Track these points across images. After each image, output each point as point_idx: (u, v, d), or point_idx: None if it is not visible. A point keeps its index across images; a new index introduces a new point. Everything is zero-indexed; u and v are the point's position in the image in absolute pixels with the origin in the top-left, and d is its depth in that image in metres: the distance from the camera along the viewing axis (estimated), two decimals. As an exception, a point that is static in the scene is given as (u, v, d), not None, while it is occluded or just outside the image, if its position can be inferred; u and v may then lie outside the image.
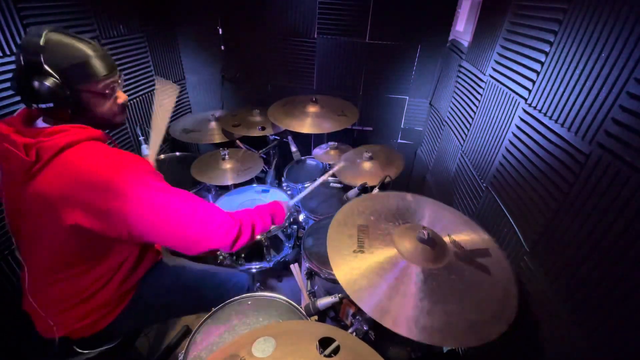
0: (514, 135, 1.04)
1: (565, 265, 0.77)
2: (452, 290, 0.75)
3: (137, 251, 1.02)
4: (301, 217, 1.63)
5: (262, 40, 2.08)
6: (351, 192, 1.54)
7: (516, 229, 0.97)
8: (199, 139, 1.97)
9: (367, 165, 1.59)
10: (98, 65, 0.83)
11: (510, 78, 1.10)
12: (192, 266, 1.23)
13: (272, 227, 1.13)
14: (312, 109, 1.81)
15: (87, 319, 0.95)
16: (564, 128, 0.82)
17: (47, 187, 0.78)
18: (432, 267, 0.79)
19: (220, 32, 2.11)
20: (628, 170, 0.63)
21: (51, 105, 0.79)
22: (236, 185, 1.73)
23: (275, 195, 1.66)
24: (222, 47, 2.16)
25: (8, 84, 1.19)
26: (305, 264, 1.26)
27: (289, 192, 1.78)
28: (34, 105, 0.79)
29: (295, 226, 1.61)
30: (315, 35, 2.00)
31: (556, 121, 0.85)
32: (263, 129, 1.88)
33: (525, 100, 1.00)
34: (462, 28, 1.62)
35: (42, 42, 0.76)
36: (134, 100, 1.91)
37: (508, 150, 1.07)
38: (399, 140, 2.28)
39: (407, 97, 2.11)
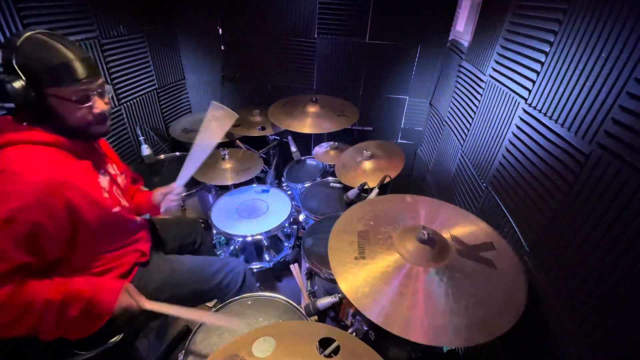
0: (514, 135, 1.04)
1: (565, 265, 0.77)
2: (458, 288, 0.75)
3: (110, 257, 0.99)
4: (301, 217, 1.63)
5: (262, 40, 2.08)
6: (351, 192, 1.54)
7: (516, 229, 0.97)
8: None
9: (367, 165, 1.59)
10: (71, 71, 0.79)
11: (510, 78, 1.10)
12: (187, 259, 1.21)
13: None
14: (312, 109, 1.82)
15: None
16: (564, 128, 0.82)
17: None
18: (436, 267, 0.78)
19: (220, 32, 2.11)
20: (628, 170, 0.63)
21: (12, 105, 0.77)
22: (236, 185, 1.73)
23: (275, 195, 1.66)
24: (222, 47, 2.16)
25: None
26: (305, 264, 1.26)
27: (289, 192, 1.78)
28: None
29: (295, 226, 1.61)
30: (315, 35, 2.00)
31: (556, 121, 0.85)
32: (263, 129, 1.89)
33: (525, 100, 1.00)
34: (462, 28, 1.62)
35: (18, 42, 0.76)
36: (134, 100, 1.91)
37: (508, 150, 1.07)
38: (399, 140, 2.28)
39: (407, 97, 2.11)
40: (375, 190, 1.38)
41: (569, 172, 0.79)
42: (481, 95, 1.32)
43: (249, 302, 1.07)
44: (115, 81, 1.75)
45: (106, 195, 0.93)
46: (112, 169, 1.04)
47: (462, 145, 1.47)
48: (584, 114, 0.76)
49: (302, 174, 1.98)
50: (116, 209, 0.95)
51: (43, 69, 0.77)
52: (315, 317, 1.03)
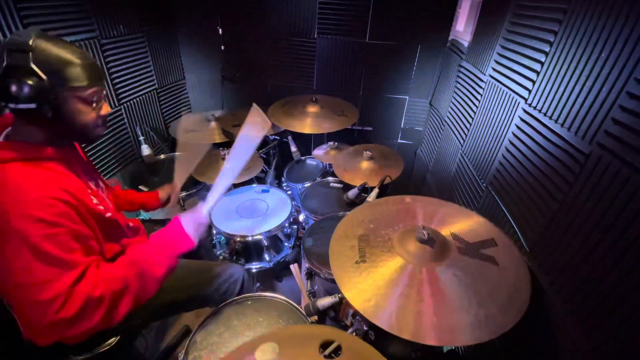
0: (514, 135, 1.04)
1: (565, 265, 0.77)
2: (463, 287, 0.74)
3: (113, 250, 0.96)
4: (301, 217, 1.63)
5: (262, 40, 2.08)
6: (351, 192, 1.54)
7: (516, 229, 0.97)
8: (199, 139, 1.97)
9: (366, 165, 1.59)
10: (87, 72, 0.80)
11: (510, 78, 1.10)
12: (185, 263, 1.20)
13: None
14: (312, 109, 1.82)
15: None
16: (564, 128, 0.82)
17: None
18: (438, 266, 0.78)
19: (220, 32, 2.11)
20: (628, 170, 0.63)
21: (33, 106, 0.74)
22: (236, 185, 1.73)
23: (275, 195, 1.66)
24: (222, 47, 2.16)
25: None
26: (305, 264, 1.26)
27: (288, 192, 1.78)
28: (11, 106, 0.74)
29: (295, 226, 1.61)
30: (315, 35, 2.00)
31: (556, 121, 0.85)
32: (263, 128, 1.88)
33: (525, 100, 1.00)
34: (462, 28, 1.62)
35: (31, 42, 0.73)
36: (134, 100, 1.91)
37: (508, 150, 1.07)
38: (399, 140, 2.28)
39: (407, 97, 2.11)
40: (376, 190, 1.38)
41: (569, 172, 0.79)
42: (481, 95, 1.32)
43: (249, 302, 1.07)
44: (115, 81, 1.75)
45: (96, 201, 0.91)
46: (96, 175, 1.03)
47: (462, 145, 1.47)
48: (584, 114, 0.76)
49: (302, 174, 1.98)
50: (109, 214, 0.93)
51: (62, 68, 0.76)
52: (315, 317, 1.03)
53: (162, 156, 1.99)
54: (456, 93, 1.59)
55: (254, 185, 1.75)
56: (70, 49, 0.79)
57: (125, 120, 1.86)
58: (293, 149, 1.97)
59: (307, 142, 2.35)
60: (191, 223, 0.96)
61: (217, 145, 1.94)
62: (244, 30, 2.08)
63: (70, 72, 0.77)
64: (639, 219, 0.60)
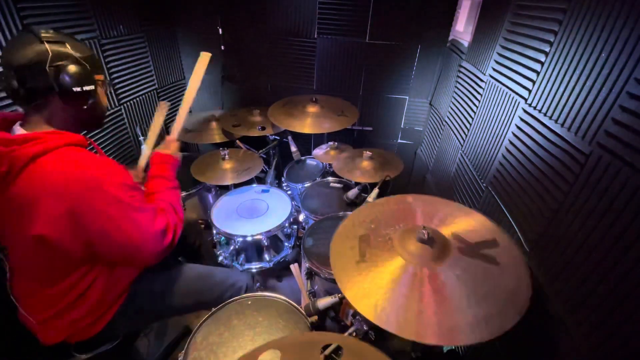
0: (514, 135, 1.04)
1: (565, 265, 0.77)
2: (464, 286, 0.74)
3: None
4: (301, 217, 1.63)
5: (262, 40, 2.08)
6: (351, 192, 1.54)
7: (516, 229, 0.97)
8: (199, 139, 1.97)
9: (366, 164, 1.59)
10: (98, 61, 0.90)
11: (510, 78, 1.10)
12: (189, 267, 1.22)
13: None
14: (312, 109, 1.82)
15: (82, 322, 0.94)
16: (564, 128, 0.82)
17: (18, 196, 0.77)
18: (439, 266, 0.78)
19: (220, 32, 2.11)
20: (628, 170, 0.63)
21: (92, 87, 0.85)
22: (236, 185, 1.73)
23: (275, 195, 1.66)
24: (222, 47, 2.16)
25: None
26: (305, 264, 1.26)
27: (288, 192, 1.78)
28: (75, 90, 0.82)
29: (295, 226, 1.61)
30: (315, 35, 2.00)
31: (556, 121, 0.85)
32: (263, 128, 1.88)
33: (525, 100, 1.00)
34: (462, 28, 1.62)
35: (59, 35, 0.81)
36: (134, 100, 1.91)
37: (508, 150, 1.07)
38: (399, 140, 2.27)
39: (407, 97, 2.11)
40: (376, 190, 1.38)
41: (569, 172, 0.79)
42: (481, 95, 1.32)
43: (249, 302, 1.07)
44: (115, 81, 1.75)
45: None
46: None
47: (462, 145, 1.47)
48: (584, 114, 0.76)
49: (302, 174, 1.98)
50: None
51: (89, 58, 0.85)
52: (315, 317, 1.03)
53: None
54: (456, 93, 1.59)
55: (254, 185, 1.75)
56: (80, 42, 0.87)
57: (125, 120, 1.86)
58: (293, 149, 1.97)
59: (307, 142, 2.35)
60: (163, 148, 1.19)
61: (217, 145, 1.95)
62: (244, 30, 2.08)
63: (94, 60, 0.87)
64: (639, 219, 0.60)
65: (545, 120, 0.90)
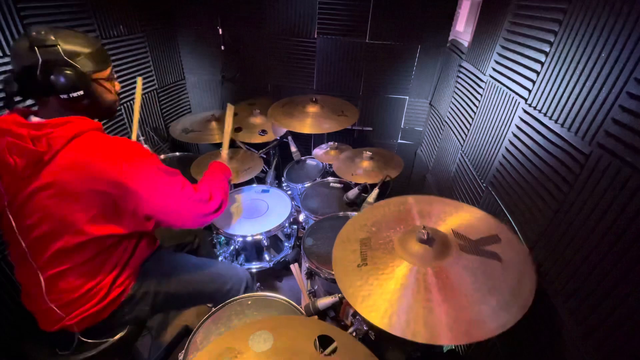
0: (514, 135, 1.04)
1: (565, 265, 0.77)
2: (465, 285, 0.74)
3: (135, 237, 1.03)
4: (301, 217, 1.63)
5: (262, 40, 2.08)
6: (351, 192, 1.54)
7: (516, 229, 0.97)
8: (199, 139, 1.97)
9: (366, 164, 1.59)
10: (104, 55, 0.91)
11: (510, 78, 1.10)
12: (192, 258, 1.25)
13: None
14: (312, 109, 1.81)
15: (92, 307, 0.96)
16: (564, 128, 0.82)
17: (60, 175, 0.82)
18: (440, 265, 0.78)
19: (220, 32, 2.11)
20: (628, 170, 0.63)
21: (81, 93, 0.85)
22: (236, 185, 1.73)
23: (275, 195, 1.66)
24: (222, 47, 2.16)
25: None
26: (305, 264, 1.26)
27: (288, 192, 1.78)
28: (63, 97, 0.84)
29: (295, 226, 1.61)
30: (315, 35, 2.00)
31: (556, 121, 0.85)
32: (265, 132, 1.88)
33: (525, 100, 1.00)
34: (462, 28, 1.62)
35: (53, 37, 0.81)
36: (134, 100, 1.90)
37: (508, 150, 1.07)
38: (399, 140, 2.28)
39: (407, 97, 2.11)
40: (376, 190, 1.38)
41: (569, 172, 0.79)
42: (481, 95, 1.32)
43: (249, 302, 1.07)
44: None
45: None
46: None
47: (462, 145, 1.47)
48: (584, 114, 0.76)
49: (302, 174, 1.98)
50: None
51: (87, 57, 0.86)
52: (316, 317, 1.03)
53: (162, 156, 1.99)
54: (456, 93, 1.59)
55: (254, 185, 1.75)
56: (83, 37, 0.89)
57: (126, 120, 1.85)
58: (293, 149, 1.97)
59: (307, 142, 2.35)
60: (222, 162, 1.37)
61: (217, 145, 1.95)
62: (244, 30, 2.08)
63: (94, 57, 0.88)
64: (639, 219, 0.60)
65: (545, 120, 0.90)
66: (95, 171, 0.83)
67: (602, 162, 0.69)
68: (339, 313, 1.08)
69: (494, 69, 1.22)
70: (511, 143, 1.06)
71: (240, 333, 0.70)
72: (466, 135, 1.43)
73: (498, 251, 0.80)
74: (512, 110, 1.07)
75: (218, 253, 1.51)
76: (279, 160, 2.15)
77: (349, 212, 1.45)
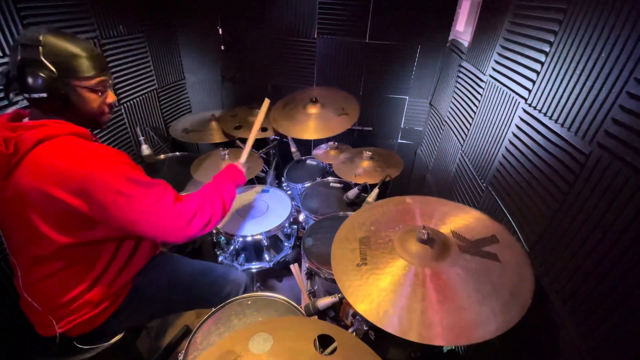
0: (514, 135, 1.04)
1: (565, 265, 0.77)
2: (465, 285, 0.74)
3: (131, 244, 1.02)
4: (301, 217, 1.63)
5: (262, 40, 2.08)
6: (351, 192, 1.54)
7: (516, 229, 0.97)
8: (199, 139, 1.97)
9: (366, 164, 1.59)
10: (93, 63, 0.88)
11: (510, 78, 1.10)
12: (191, 262, 1.24)
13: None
14: (312, 109, 1.80)
15: (86, 314, 0.95)
16: (564, 128, 0.82)
17: (24, 179, 0.80)
18: (439, 266, 0.78)
19: (220, 32, 2.11)
20: (628, 170, 0.63)
21: (44, 95, 0.82)
22: (236, 185, 1.73)
23: (275, 195, 1.67)
24: (222, 47, 2.16)
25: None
26: (305, 264, 1.26)
27: (288, 192, 1.78)
28: (25, 96, 0.83)
29: (295, 226, 1.61)
30: (315, 35, 2.00)
31: (556, 121, 0.85)
32: (265, 130, 1.88)
33: (525, 100, 1.00)
34: (462, 28, 1.62)
35: (41, 37, 0.81)
36: (134, 100, 1.91)
37: (508, 150, 1.07)
38: (399, 140, 2.27)
39: (407, 97, 2.11)
40: (376, 190, 1.38)
41: (569, 172, 0.79)
42: (481, 95, 1.32)
43: (249, 302, 1.07)
44: (115, 81, 1.75)
45: None
46: None
47: (462, 145, 1.47)
48: (584, 114, 0.76)
49: (302, 174, 1.98)
50: None
51: (70, 61, 0.84)
52: (315, 317, 1.03)
53: (162, 156, 1.99)
54: (456, 93, 1.59)
55: (254, 185, 1.75)
56: (77, 42, 0.87)
57: (125, 120, 1.85)
58: (293, 149, 1.97)
59: (307, 142, 2.35)
60: (238, 167, 1.27)
61: (217, 145, 1.95)
62: (244, 30, 2.08)
63: (77, 64, 0.85)
64: (639, 219, 0.60)
65: (545, 120, 0.90)
66: (56, 177, 0.79)
67: (602, 162, 0.69)
68: (339, 313, 1.08)
69: (494, 69, 1.22)
70: (511, 143, 1.06)
71: (240, 336, 0.70)
72: (466, 135, 1.43)
73: (497, 252, 0.80)
74: (512, 110, 1.07)
75: (218, 253, 1.51)
76: (279, 160, 2.15)
77: (349, 212, 1.45)
